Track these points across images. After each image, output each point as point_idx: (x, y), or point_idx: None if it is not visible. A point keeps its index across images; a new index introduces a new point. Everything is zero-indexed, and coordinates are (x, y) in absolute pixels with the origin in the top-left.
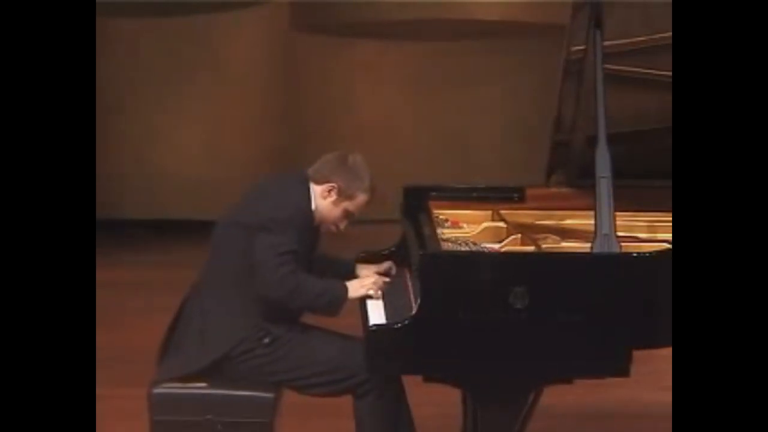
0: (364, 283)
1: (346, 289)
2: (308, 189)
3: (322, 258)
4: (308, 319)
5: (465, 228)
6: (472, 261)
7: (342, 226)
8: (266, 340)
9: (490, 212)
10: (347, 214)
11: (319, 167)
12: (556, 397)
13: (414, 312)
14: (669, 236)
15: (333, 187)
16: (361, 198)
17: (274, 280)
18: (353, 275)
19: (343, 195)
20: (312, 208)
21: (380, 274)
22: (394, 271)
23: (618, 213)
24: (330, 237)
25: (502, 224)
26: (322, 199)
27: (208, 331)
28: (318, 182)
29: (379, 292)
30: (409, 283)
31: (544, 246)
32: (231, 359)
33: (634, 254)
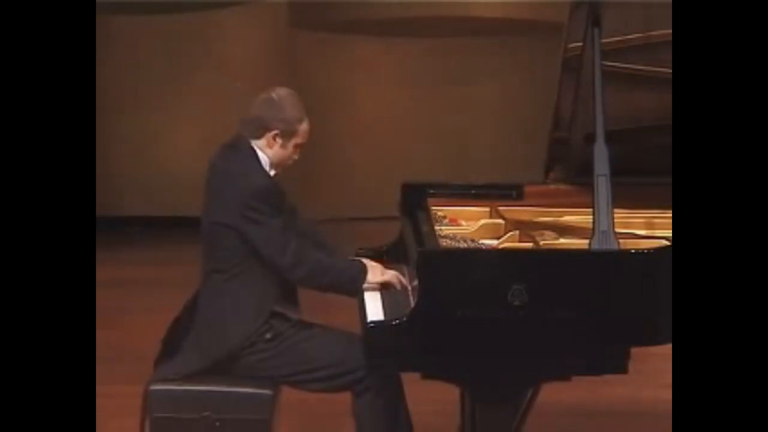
0: (386, 276)
1: (366, 268)
2: (256, 155)
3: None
4: (308, 317)
5: (463, 225)
6: (470, 258)
7: (296, 157)
8: (268, 336)
9: (488, 209)
10: (298, 147)
11: (253, 120)
12: (556, 395)
13: (412, 309)
14: (667, 233)
15: (275, 134)
16: (304, 127)
17: (288, 264)
18: None
19: (286, 135)
20: (267, 169)
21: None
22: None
23: (616, 210)
24: (328, 234)
25: (500, 221)
26: (269, 149)
27: (215, 328)
28: (259, 136)
29: (398, 285)
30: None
31: (542, 243)
32: (234, 354)
33: (632, 251)
